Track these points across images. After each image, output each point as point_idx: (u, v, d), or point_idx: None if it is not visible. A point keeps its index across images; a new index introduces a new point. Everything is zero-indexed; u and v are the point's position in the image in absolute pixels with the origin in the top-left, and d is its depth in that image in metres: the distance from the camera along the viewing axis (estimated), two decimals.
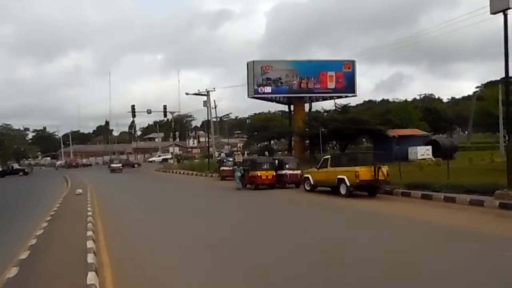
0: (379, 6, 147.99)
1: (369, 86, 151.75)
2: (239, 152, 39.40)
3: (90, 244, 7.63)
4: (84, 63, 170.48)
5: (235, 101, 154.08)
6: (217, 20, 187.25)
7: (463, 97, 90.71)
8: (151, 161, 71.04)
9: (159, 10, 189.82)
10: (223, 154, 40.80)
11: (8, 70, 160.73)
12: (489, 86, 59.42)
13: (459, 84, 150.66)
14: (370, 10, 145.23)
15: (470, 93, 79.68)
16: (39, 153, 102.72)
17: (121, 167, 45.37)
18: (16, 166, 56.81)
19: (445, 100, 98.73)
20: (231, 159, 29.82)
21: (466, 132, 70.65)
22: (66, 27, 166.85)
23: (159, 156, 73.79)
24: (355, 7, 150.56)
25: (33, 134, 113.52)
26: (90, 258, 6.53)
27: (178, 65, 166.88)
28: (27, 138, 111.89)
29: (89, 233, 8.79)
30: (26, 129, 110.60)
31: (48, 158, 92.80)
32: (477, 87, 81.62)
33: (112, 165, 45.78)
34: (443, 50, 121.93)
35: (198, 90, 43.04)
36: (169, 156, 66.44)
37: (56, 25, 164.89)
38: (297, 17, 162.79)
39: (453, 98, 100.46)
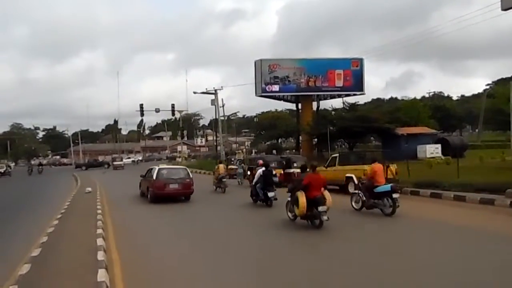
0: (391, 4, 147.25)
1: (380, 84, 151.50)
2: (239, 151, 40.07)
3: (100, 242, 7.71)
4: (96, 63, 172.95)
5: (245, 99, 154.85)
6: (228, 19, 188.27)
7: (473, 95, 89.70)
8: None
9: (171, 10, 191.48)
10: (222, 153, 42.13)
11: (22, 71, 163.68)
12: (500, 83, 58.64)
13: (471, 82, 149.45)
14: (382, 8, 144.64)
15: (481, 90, 78.79)
16: (49, 151, 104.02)
17: (122, 165, 51.02)
18: (100, 159, 64.32)
19: (454, 98, 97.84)
20: (238, 158, 30.08)
21: (476, 130, 69.85)
22: (78, 28, 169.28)
23: (128, 158, 69.08)
24: (366, 5, 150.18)
25: (43, 133, 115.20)
26: (100, 256, 6.60)
27: (188, 64, 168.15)
28: (37, 137, 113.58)
29: (99, 231, 8.89)
30: (37, 128, 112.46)
31: (58, 157, 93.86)
32: (487, 84, 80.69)
33: (115, 163, 52.20)
34: (454, 47, 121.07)
35: (206, 89, 43.10)
36: (140, 158, 65.14)
37: (69, 26, 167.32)
38: (308, 16, 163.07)
39: (463, 96, 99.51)
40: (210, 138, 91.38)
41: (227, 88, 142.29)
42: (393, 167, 15.22)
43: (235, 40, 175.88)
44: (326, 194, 9.39)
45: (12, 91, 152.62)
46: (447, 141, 33.08)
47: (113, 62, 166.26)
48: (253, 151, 58.18)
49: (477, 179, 14.31)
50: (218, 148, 44.56)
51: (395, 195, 10.49)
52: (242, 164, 24.58)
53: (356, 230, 9.17)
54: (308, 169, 10.45)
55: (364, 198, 11.09)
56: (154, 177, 14.90)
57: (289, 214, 10.19)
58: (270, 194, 12.90)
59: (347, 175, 15.74)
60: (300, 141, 43.13)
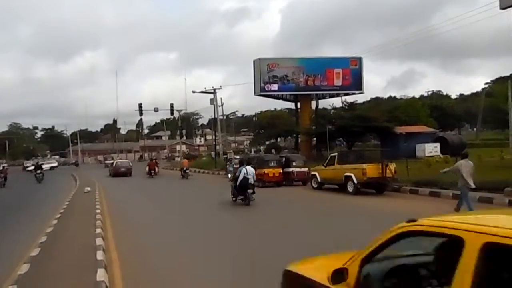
0: (393, 4, 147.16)
1: (381, 83, 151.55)
2: (231, 151, 41.23)
3: (99, 241, 7.71)
4: (98, 62, 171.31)
5: (246, 98, 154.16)
6: (231, 19, 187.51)
7: (472, 94, 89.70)
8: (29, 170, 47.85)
9: (174, 10, 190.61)
10: (213, 153, 43.52)
11: (22, 70, 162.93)
12: (499, 82, 58.69)
13: (472, 80, 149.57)
14: (385, 7, 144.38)
15: (480, 89, 78.85)
16: (48, 151, 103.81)
17: (113, 163, 51.19)
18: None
19: (453, 96, 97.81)
20: (237, 157, 30.29)
21: (475, 129, 69.94)
22: (81, 27, 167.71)
23: (42, 163, 49.36)
24: (369, 4, 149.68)
25: (42, 132, 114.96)
26: (100, 255, 6.60)
27: (191, 64, 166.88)
28: (36, 137, 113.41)
29: (98, 230, 8.89)
30: (35, 128, 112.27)
31: (57, 157, 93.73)
32: (486, 83, 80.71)
33: (106, 162, 57.95)
34: (455, 46, 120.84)
35: (205, 88, 43.08)
36: (55, 164, 56.10)
37: (71, 25, 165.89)
38: (311, 15, 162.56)
39: (461, 95, 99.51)
40: (209, 137, 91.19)
41: (228, 88, 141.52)
42: (391, 166, 15.25)
43: (238, 40, 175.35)
44: (159, 168, 33.29)
45: (12, 90, 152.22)
46: (445, 139, 33.08)
47: (115, 62, 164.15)
48: (252, 150, 58.13)
49: (476, 177, 14.31)
50: (217, 147, 44.59)
51: (187, 171, 28.42)
52: (233, 163, 25.80)
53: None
54: (152, 160, 34.13)
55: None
56: (114, 165, 35.11)
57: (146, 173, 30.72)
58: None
59: (346, 174, 15.74)
60: (299, 140, 43.11)
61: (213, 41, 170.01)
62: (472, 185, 10.57)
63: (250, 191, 13.37)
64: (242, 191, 13.30)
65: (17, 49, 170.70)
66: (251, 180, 13.48)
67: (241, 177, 13.15)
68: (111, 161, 55.09)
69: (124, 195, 19.26)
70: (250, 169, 13.68)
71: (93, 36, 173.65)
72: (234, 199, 13.93)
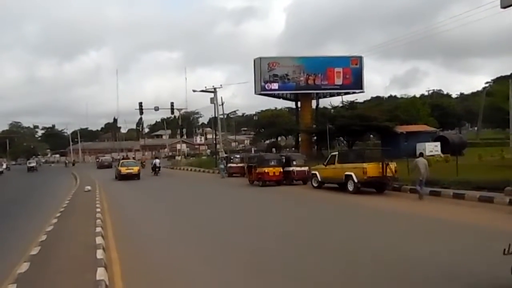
0: (396, 3, 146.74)
1: (384, 82, 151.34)
2: (222, 150, 41.50)
3: (99, 240, 7.71)
4: (102, 61, 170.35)
5: (248, 98, 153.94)
6: (235, 18, 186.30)
7: (472, 93, 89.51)
8: None
9: (179, 9, 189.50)
10: (208, 151, 44.46)
11: (26, 69, 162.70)
12: (499, 81, 58.57)
13: (473, 79, 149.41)
14: (388, 6, 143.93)
15: (480, 88, 78.70)
16: (48, 150, 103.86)
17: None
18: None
19: (454, 95, 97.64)
20: (238, 156, 30.27)
21: (475, 128, 69.82)
22: (85, 26, 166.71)
23: None
24: (372, 3, 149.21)
25: (43, 131, 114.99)
26: (100, 254, 6.60)
27: (194, 63, 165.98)
28: (36, 136, 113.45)
29: (98, 229, 8.89)
30: (36, 127, 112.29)
31: (57, 156, 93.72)
32: (486, 82, 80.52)
33: (97, 160, 61.72)
34: (457, 44, 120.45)
35: (205, 87, 43.02)
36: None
37: (76, 24, 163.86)
38: (315, 14, 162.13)
39: (462, 94, 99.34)
40: (209, 136, 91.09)
41: (231, 87, 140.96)
42: (392, 165, 15.22)
43: (241, 39, 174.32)
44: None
45: (13, 89, 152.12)
46: (446, 139, 33.03)
47: (117, 61, 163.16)
48: (252, 149, 58.06)
49: (476, 177, 14.32)
50: (218, 146, 44.58)
51: (144, 163, 38.38)
52: (224, 161, 28.55)
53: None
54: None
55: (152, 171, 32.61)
56: (99, 161, 54.01)
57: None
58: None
59: (346, 173, 15.73)
60: (299, 139, 43.09)
61: (217, 40, 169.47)
62: (425, 178, 13.28)
63: (157, 169, 31.75)
64: (154, 169, 31.77)
65: (20, 48, 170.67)
66: (158, 165, 31.98)
67: (154, 163, 32.48)
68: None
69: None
70: (157, 160, 33.54)
71: (96, 35, 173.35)
72: (152, 173, 30.93)
